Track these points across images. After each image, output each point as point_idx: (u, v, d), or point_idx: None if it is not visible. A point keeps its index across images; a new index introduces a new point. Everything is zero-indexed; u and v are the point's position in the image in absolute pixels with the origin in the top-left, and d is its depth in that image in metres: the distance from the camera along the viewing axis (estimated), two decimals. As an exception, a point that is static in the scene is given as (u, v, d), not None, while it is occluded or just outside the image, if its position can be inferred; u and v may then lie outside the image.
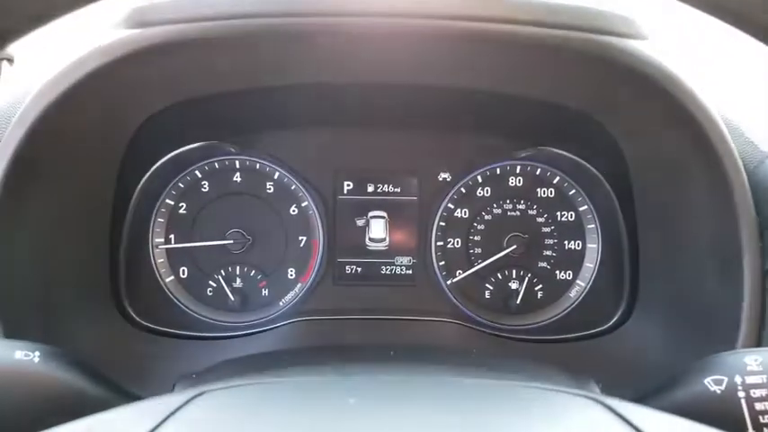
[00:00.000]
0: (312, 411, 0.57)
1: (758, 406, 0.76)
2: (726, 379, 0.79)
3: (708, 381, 0.80)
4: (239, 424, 0.56)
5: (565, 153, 1.56)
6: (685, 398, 0.81)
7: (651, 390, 0.88)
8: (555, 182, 1.60)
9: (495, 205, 1.61)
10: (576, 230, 1.60)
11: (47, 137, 1.08)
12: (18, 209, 1.11)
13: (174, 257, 1.56)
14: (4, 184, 1.05)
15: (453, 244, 1.61)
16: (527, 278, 1.60)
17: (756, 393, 0.77)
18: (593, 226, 1.59)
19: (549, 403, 0.62)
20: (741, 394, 0.77)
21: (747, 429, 0.76)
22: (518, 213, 1.61)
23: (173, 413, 0.56)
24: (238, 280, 1.58)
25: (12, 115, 1.09)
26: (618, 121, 1.30)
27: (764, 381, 0.78)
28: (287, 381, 0.67)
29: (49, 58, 1.11)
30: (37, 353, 0.80)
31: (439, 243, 1.60)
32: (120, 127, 1.28)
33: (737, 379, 0.78)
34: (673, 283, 1.34)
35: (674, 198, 1.28)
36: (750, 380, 0.78)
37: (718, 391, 0.79)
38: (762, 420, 0.76)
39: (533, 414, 0.59)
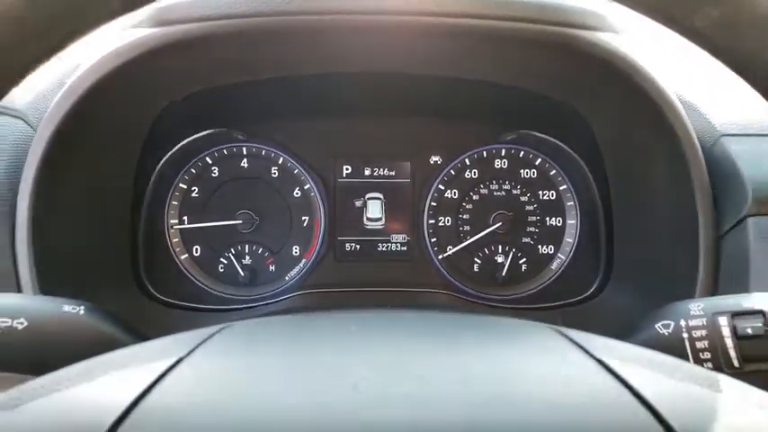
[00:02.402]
0: (324, 335, 0.70)
1: (698, 344, 0.86)
2: (672, 323, 0.88)
3: (658, 326, 0.89)
4: (264, 347, 0.67)
5: (545, 137, 1.64)
6: (639, 340, 0.91)
7: (613, 336, 0.99)
8: (537, 163, 1.69)
9: (482, 186, 1.70)
10: (557, 208, 1.69)
11: (81, 121, 1.18)
12: (53, 189, 1.20)
13: (188, 237, 1.65)
14: (44, 161, 1.15)
15: (444, 222, 1.70)
16: (512, 252, 1.69)
17: (696, 333, 0.87)
18: (572, 203, 1.68)
19: (507, 330, 0.73)
20: (685, 335, 0.87)
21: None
22: (503, 193, 1.70)
23: (203, 341, 0.65)
24: (247, 257, 1.67)
25: (51, 101, 1.19)
26: (589, 107, 1.39)
27: (704, 323, 0.87)
28: (302, 317, 0.79)
29: (79, 54, 1.21)
30: (82, 307, 0.91)
31: (431, 221, 1.70)
32: (140, 117, 1.38)
33: (682, 323, 0.88)
34: (642, 252, 1.44)
35: (641, 176, 1.38)
36: (692, 323, 0.87)
37: (666, 334, 0.88)
38: (702, 357, 0.85)
39: (491, 338, 0.69)
